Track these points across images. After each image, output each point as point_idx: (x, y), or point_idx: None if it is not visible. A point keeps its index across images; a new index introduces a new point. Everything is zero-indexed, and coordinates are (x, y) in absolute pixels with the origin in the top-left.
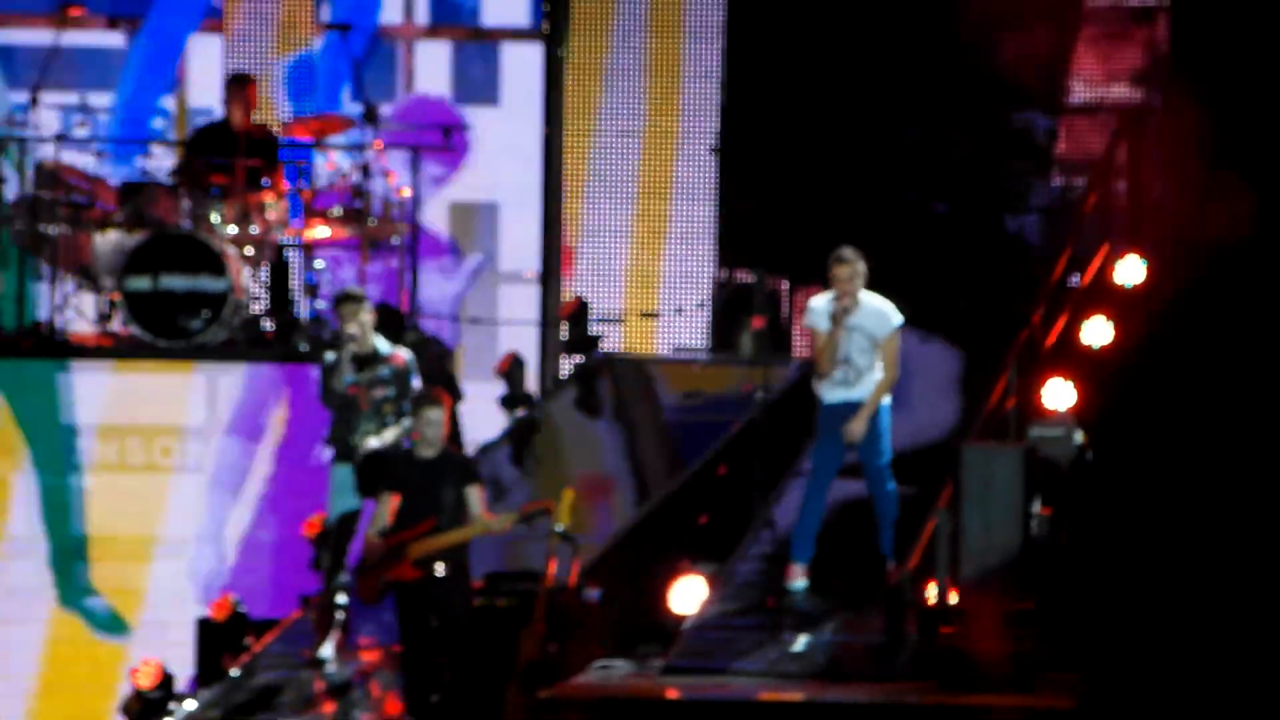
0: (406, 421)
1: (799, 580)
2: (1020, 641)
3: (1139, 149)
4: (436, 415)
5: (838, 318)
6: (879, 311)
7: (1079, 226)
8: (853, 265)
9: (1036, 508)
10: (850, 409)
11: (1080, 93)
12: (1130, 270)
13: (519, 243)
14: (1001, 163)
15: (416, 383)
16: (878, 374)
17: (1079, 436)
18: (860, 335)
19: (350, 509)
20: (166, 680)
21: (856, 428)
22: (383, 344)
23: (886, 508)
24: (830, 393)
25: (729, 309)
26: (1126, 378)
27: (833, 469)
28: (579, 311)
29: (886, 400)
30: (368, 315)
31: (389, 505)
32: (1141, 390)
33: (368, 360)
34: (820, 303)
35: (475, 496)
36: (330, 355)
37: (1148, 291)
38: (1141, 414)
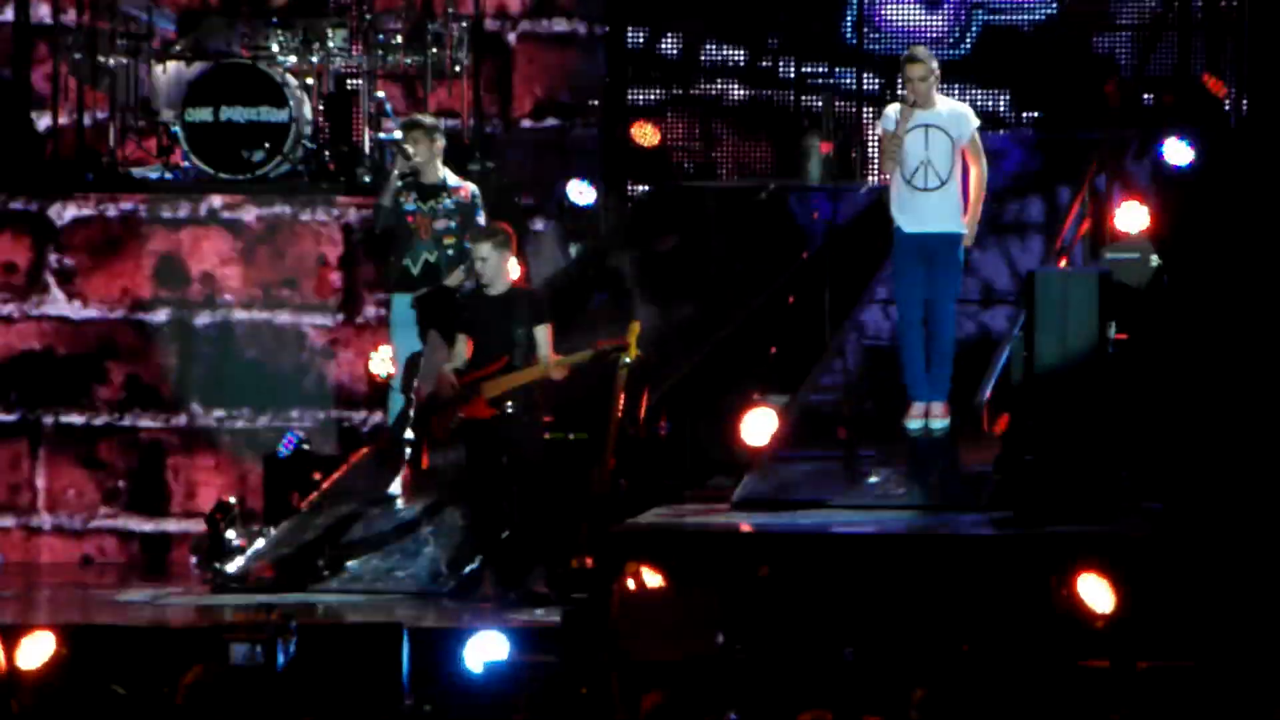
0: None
1: (919, 419)
2: (1097, 469)
3: None
4: (485, 250)
5: (904, 113)
6: (957, 112)
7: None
8: (925, 64)
9: (1112, 332)
10: (929, 240)
11: None
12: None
13: None
14: None
15: (480, 219)
16: (956, 181)
17: (1154, 260)
18: (939, 136)
19: (413, 344)
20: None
21: (970, 236)
22: (450, 176)
23: (944, 343)
24: (907, 219)
25: (795, 134)
26: (1204, 200)
27: (920, 301)
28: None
29: (966, 236)
30: (438, 143)
31: (464, 344)
32: (1220, 214)
33: (432, 191)
34: (893, 109)
35: (545, 334)
36: (393, 176)
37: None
38: (1219, 238)
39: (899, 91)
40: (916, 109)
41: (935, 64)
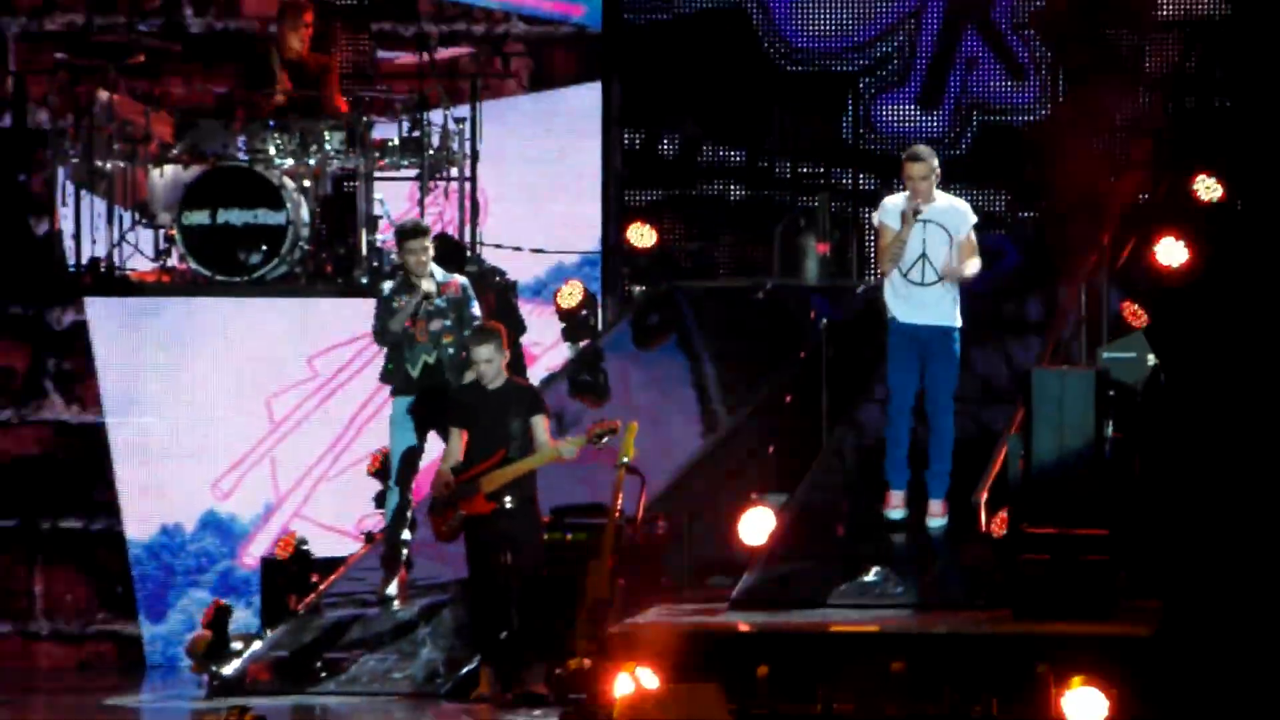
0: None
1: (897, 509)
2: (1095, 569)
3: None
4: (485, 352)
5: (908, 215)
6: (956, 208)
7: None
8: (927, 163)
9: (1109, 431)
10: (924, 332)
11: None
12: (1203, 191)
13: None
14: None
15: (474, 310)
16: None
17: (1151, 359)
18: (937, 231)
19: (411, 444)
20: (230, 620)
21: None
22: (438, 273)
23: (943, 440)
24: (902, 309)
25: (793, 233)
26: (1201, 299)
27: (912, 393)
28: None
29: (957, 327)
30: (430, 248)
31: (459, 441)
32: (1216, 312)
33: (424, 293)
34: (893, 201)
35: (542, 425)
36: (387, 285)
37: (1222, 211)
38: (1216, 336)
39: (895, 188)
40: (918, 204)
41: (936, 162)
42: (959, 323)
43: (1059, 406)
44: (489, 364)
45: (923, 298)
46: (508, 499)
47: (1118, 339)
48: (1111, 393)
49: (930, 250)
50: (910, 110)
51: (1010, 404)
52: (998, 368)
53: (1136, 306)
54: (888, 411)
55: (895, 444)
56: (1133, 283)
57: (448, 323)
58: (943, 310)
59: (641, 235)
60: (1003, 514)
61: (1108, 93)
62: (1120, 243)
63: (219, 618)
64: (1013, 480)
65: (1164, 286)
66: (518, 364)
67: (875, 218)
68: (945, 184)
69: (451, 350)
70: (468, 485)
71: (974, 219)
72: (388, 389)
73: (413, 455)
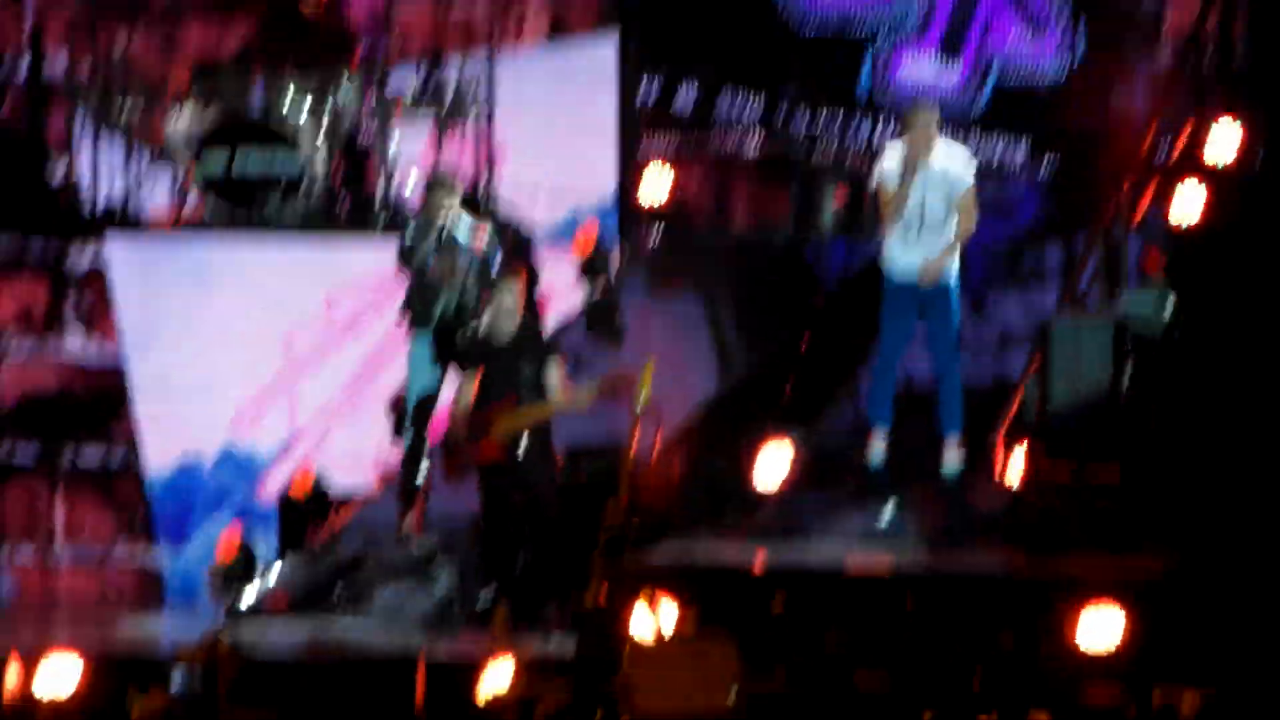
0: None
1: (878, 446)
2: (1110, 502)
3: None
4: (509, 299)
5: (909, 165)
6: (952, 166)
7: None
8: (929, 114)
9: (1126, 381)
10: (920, 290)
11: None
12: (1223, 137)
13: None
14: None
15: (499, 257)
16: (951, 231)
17: (1170, 303)
18: (936, 186)
19: (429, 383)
20: (248, 554)
21: (931, 270)
22: (465, 221)
23: (950, 384)
24: (902, 262)
25: (810, 187)
26: (1218, 247)
27: (904, 339)
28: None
29: (956, 272)
30: (458, 194)
31: (472, 384)
32: (1234, 261)
33: (451, 237)
34: (890, 157)
35: (555, 371)
36: (412, 223)
37: (1242, 160)
38: (1234, 284)
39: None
40: (918, 161)
41: (936, 114)
42: (955, 280)
43: (1076, 355)
44: (509, 310)
45: (921, 250)
46: (521, 443)
47: (1135, 287)
48: (1128, 342)
49: (929, 204)
50: (928, 65)
51: (1027, 349)
52: (1016, 316)
53: (1155, 254)
54: (876, 363)
55: (878, 388)
56: (1151, 231)
57: (474, 271)
58: (938, 249)
59: (655, 180)
60: (1018, 452)
61: (1129, 49)
62: (1139, 191)
63: (243, 544)
64: (1029, 423)
65: (1182, 235)
66: (533, 310)
67: (874, 176)
68: (965, 136)
69: (472, 299)
70: (480, 426)
71: (972, 174)
72: (405, 326)
73: (429, 396)
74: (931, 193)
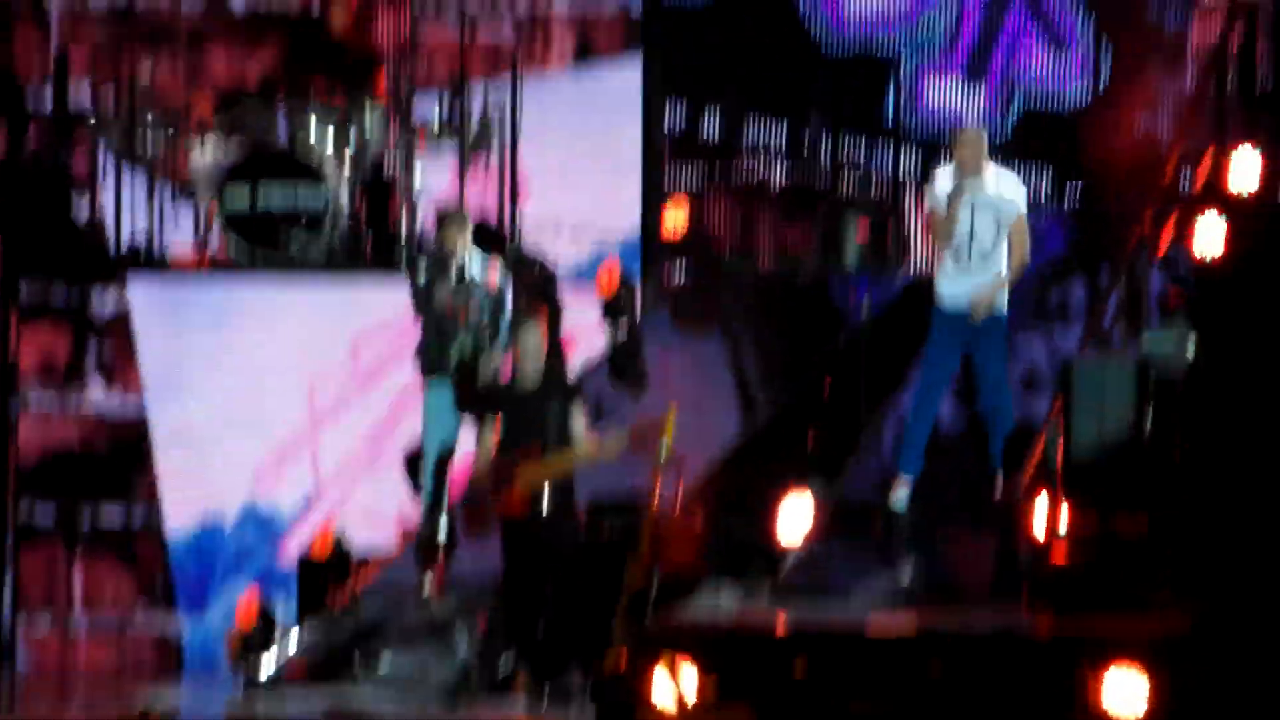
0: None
1: (902, 493)
2: (1136, 558)
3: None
4: (532, 343)
5: (958, 189)
6: (1003, 193)
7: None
8: (974, 145)
9: (1150, 420)
10: (970, 323)
11: None
12: (1244, 166)
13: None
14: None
15: (509, 305)
16: (1002, 259)
17: (1193, 343)
18: (986, 213)
19: (448, 434)
20: (268, 619)
21: (981, 305)
22: (478, 260)
23: (1001, 419)
24: (952, 290)
25: (834, 218)
26: (1242, 283)
27: (949, 375)
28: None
29: (1004, 313)
30: (469, 232)
31: (493, 434)
32: (1257, 296)
33: (465, 277)
34: (940, 180)
35: (579, 419)
36: (424, 263)
37: (1264, 193)
38: (1257, 320)
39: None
40: (966, 184)
41: (985, 139)
42: (1005, 308)
43: (1099, 395)
44: (533, 352)
45: (971, 279)
46: (545, 498)
47: (1159, 324)
48: (1152, 380)
49: (978, 232)
50: (954, 90)
51: (1052, 390)
52: (1041, 354)
53: (1178, 290)
54: (918, 390)
55: (917, 427)
56: (1174, 265)
57: (486, 315)
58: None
59: (675, 216)
60: (1042, 501)
61: (1153, 72)
62: (1161, 223)
63: (262, 609)
64: (1053, 468)
65: (1204, 270)
66: (557, 352)
67: (926, 202)
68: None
69: (486, 341)
70: (503, 479)
71: (1024, 201)
72: (421, 374)
73: (448, 447)
74: (981, 217)
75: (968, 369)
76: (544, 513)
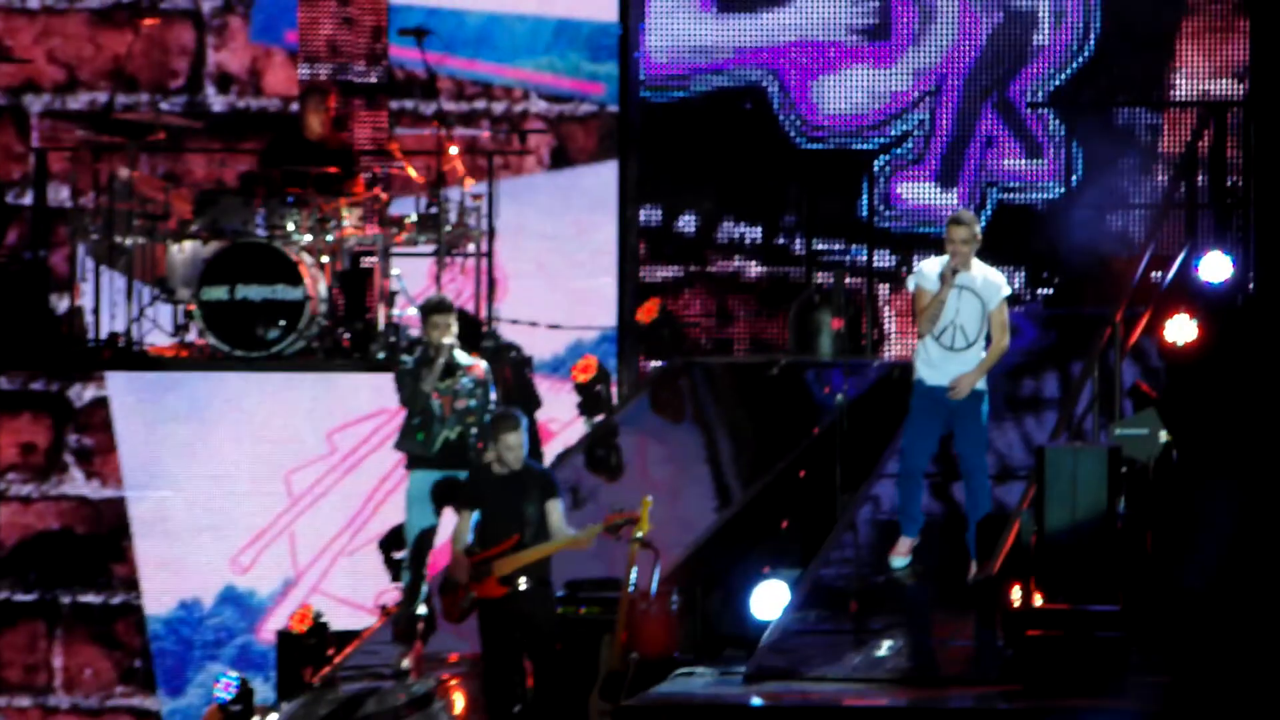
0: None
1: (903, 557)
2: (1107, 645)
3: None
4: (515, 440)
5: (947, 276)
6: (990, 279)
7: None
8: (970, 227)
9: (1121, 508)
10: (950, 396)
11: (1182, 87)
12: (1213, 268)
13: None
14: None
15: (493, 394)
16: (982, 345)
17: (1164, 435)
18: (972, 299)
19: (428, 521)
20: (247, 693)
21: (964, 384)
22: (462, 354)
23: (980, 501)
24: (931, 373)
25: (807, 309)
26: (1211, 377)
27: (928, 452)
28: (659, 315)
29: (985, 390)
30: (454, 324)
31: (469, 522)
32: (1226, 390)
33: (450, 369)
34: (931, 265)
35: (556, 510)
36: (407, 358)
37: (1232, 290)
38: (1227, 413)
39: (912, 266)
40: (956, 270)
41: (979, 229)
42: (985, 388)
43: (1071, 483)
44: (514, 450)
45: (952, 362)
46: (521, 582)
47: (1130, 416)
48: (1124, 469)
49: (963, 317)
50: (928, 188)
51: (1025, 480)
52: (1014, 444)
53: (1144, 385)
54: (900, 470)
55: (906, 496)
56: (1144, 360)
57: (472, 403)
58: (971, 363)
59: (658, 305)
60: (1015, 589)
61: (1123, 172)
62: (1132, 320)
63: (241, 692)
64: (1025, 556)
65: (1174, 364)
66: (534, 440)
67: (910, 281)
68: None
69: (474, 430)
70: (481, 568)
71: (1008, 291)
72: (404, 464)
73: (428, 534)
74: (967, 304)
75: (944, 452)
76: (521, 594)
